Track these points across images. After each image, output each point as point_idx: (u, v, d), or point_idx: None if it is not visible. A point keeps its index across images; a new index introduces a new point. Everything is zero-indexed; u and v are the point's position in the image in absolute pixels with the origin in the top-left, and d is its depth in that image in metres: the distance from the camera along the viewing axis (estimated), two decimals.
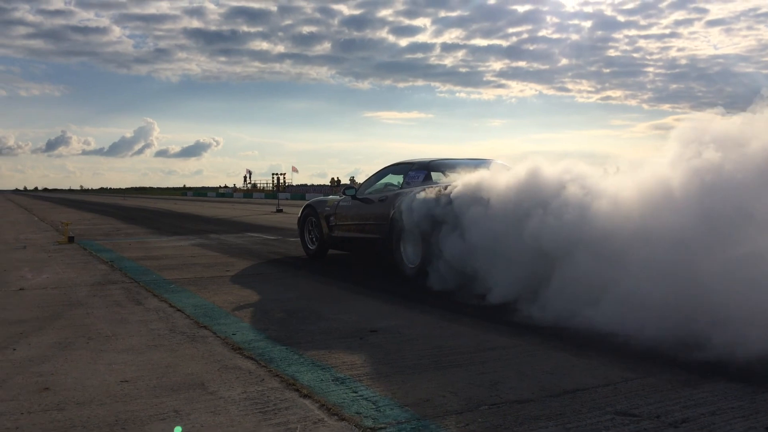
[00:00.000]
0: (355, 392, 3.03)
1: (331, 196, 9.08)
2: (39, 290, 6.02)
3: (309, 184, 68.92)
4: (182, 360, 3.60)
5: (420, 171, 7.31)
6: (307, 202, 9.31)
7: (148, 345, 3.94)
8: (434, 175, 7.29)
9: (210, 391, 3.07)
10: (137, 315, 4.88)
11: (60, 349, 3.84)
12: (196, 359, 3.61)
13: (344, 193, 8.20)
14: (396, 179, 7.79)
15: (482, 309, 4.97)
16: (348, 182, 39.07)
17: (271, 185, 69.52)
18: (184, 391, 3.06)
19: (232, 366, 3.47)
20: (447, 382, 3.17)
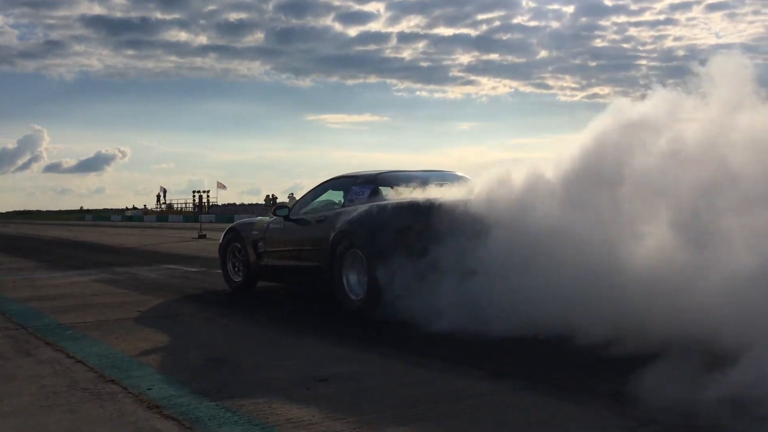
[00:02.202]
0: None
1: (259, 218, 9.11)
2: None
3: (239, 203, 68.48)
4: (85, 423, 3.49)
5: (365, 185, 7.35)
6: (230, 225, 9.30)
7: (40, 406, 3.81)
8: (383, 190, 7.34)
9: None
10: (26, 369, 4.73)
11: None
12: (102, 422, 3.51)
13: (275, 214, 8.21)
14: (337, 196, 7.82)
15: (455, 350, 4.99)
16: (287, 199, 39.05)
17: (191, 205, 68.89)
18: None
19: (148, 429, 3.38)
20: None
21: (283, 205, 8.52)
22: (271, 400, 3.82)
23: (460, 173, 7.91)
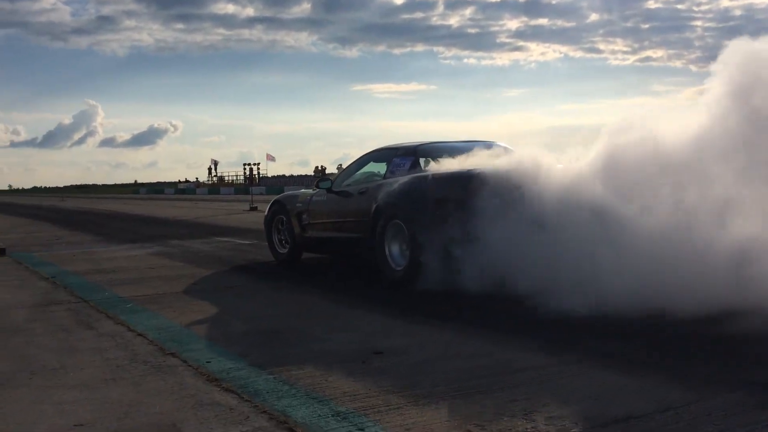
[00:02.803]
0: (361, 429, 3.01)
1: (303, 190, 9.27)
2: None
3: (288, 174, 68.91)
4: (148, 396, 3.57)
5: (406, 157, 7.45)
6: (275, 198, 9.49)
7: (104, 378, 3.91)
8: (423, 161, 7.45)
9: None
10: (89, 342, 4.85)
11: None
12: (164, 394, 3.58)
13: (318, 186, 8.34)
14: (378, 168, 7.91)
15: (507, 322, 4.97)
16: (336, 170, 39.19)
17: (242, 178, 69.47)
18: None
19: (209, 402, 3.44)
20: (471, 413, 3.15)
21: (325, 178, 8.66)
22: (328, 373, 3.85)
23: (501, 143, 7.92)
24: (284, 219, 8.78)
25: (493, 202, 5.81)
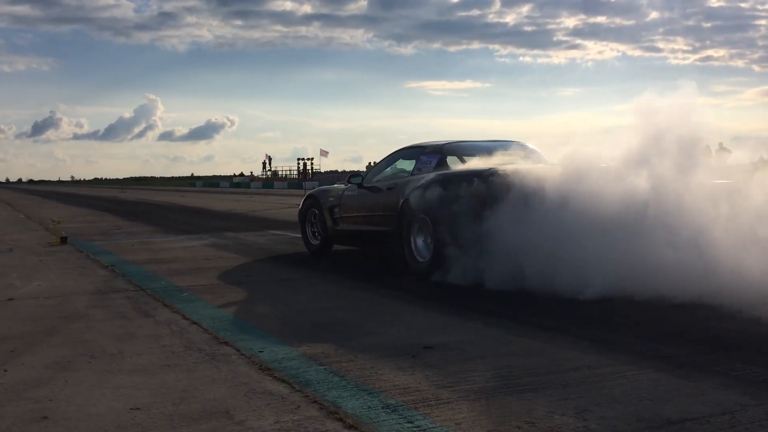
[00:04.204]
0: (411, 422, 3.00)
1: (335, 185, 9.56)
2: (30, 300, 6.16)
3: (341, 170, 69.00)
4: (202, 383, 3.62)
5: (433, 155, 7.73)
6: (308, 192, 9.80)
7: (160, 365, 3.98)
8: (450, 159, 7.70)
9: (236, 420, 3.07)
10: (146, 329, 4.94)
11: (58, 370, 3.90)
12: (218, 382, 3.63)
13: (349, 182, 8.61)
14: (407, 165, 8.18)
15: (554, 320, 4.92)
16: None
17: (295, 173, 70.06)
18: (206, 421, 3.07)
19: (261, 390, 3.48)
20: (522, 410, 3.12)
21: (357, 174, 8.98)
22: (378, 366, 3.85)
23: (528, 144, 8.16)
24: (317, 212, 9.03)
25: (514, 198, 5.99)
